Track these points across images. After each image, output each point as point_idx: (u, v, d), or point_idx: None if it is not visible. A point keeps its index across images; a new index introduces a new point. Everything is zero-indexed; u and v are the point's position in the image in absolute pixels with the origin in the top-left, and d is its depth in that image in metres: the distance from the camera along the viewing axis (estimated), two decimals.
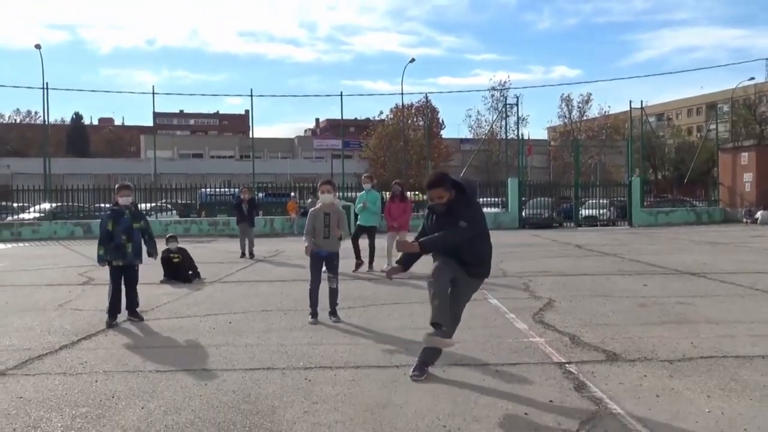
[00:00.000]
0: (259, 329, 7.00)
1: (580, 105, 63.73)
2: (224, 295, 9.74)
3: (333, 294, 7.59)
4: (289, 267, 13.62)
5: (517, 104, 33.60)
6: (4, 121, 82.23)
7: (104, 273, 13.02)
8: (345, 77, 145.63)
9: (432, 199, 4.99)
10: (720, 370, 4.95)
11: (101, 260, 7.63)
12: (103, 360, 5.69)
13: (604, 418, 3.95)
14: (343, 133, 45.36)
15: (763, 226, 26.97)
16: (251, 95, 31.33)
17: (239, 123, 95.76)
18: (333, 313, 7.54)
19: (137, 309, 7.79)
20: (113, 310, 7.47)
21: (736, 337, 6.05)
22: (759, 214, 28.22)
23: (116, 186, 7.93)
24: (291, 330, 6.94)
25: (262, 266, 13.86)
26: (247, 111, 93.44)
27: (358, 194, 13.32)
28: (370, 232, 12.50)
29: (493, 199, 32.44)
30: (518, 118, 35.01)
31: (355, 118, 78.07)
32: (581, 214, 31.37)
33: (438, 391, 4.61)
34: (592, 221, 31.16)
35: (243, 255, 15.72)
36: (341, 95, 32.41)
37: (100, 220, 8.03)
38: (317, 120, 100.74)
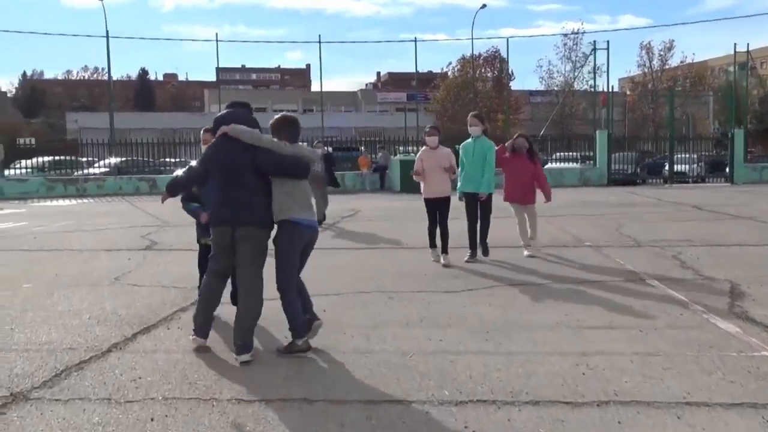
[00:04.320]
0: (364, 322, 5.32)
1: (662, 53, 59.33)
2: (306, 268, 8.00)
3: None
4: (372, 230, 11.91)
5: (607, 49, 30.19)
6: (73, 78, 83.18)
7: (167, 237, 11.74)
8: (404, 30, 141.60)
9: None
10: None
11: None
12: (163, 375, 4.10)
13: None
14: (417, 82, 43.32)
15: None
16: (319, 41, 29.49)
17: (300, 77, 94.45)
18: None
19: None
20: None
21: None
22: None
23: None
24: (407, 325, 5.22)
25: (341, 229, 12.20)
26: (308, 65, 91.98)
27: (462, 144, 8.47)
28: (484, 202, 8.20)
29: (567, 153, 30.08)
30: (608, 66, 31.95)
31: (417, 71, 75.06)
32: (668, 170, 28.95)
33: None
34: (681, 177, 28.56)
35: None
36: (415, 40, 30.13)
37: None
38: (378, 73, 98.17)
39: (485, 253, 8.26)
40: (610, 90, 32.35)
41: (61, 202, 20.46)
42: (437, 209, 8.07)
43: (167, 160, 27.85)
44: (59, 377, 4.05)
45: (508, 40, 35.03)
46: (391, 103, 69.80)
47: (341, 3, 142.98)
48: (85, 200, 21.55)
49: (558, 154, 30.78)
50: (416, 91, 61.71)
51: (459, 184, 8.35)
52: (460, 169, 8.28)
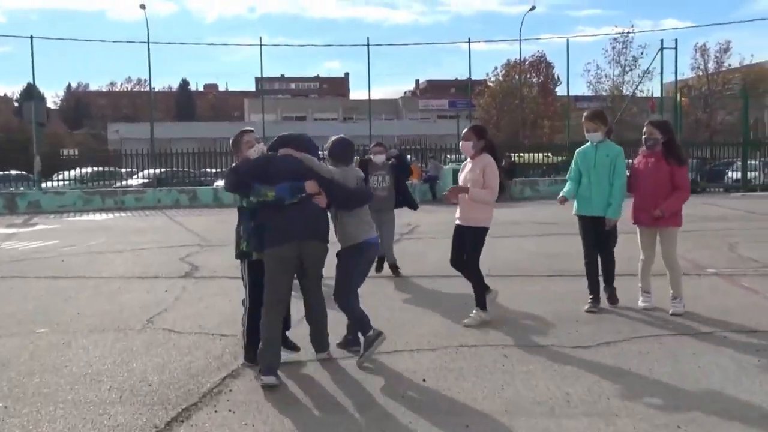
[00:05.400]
0: (487, 404, 3.77)
1: (718, 55, 56.63)
2: (381, 307, 6.44)
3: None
4: (440, 250, 10.31)
5: (675, 48, 28.04)
6: (117, 89, 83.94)
7: (210, 259, 10.28)
8: (442, 38, 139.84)
9: None
10: None
11: None
12: None
13: None
14: (457, 90, 41.72)
15: None
16: (367, 44, 28.06)
17: (339, 86, 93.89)
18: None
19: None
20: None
21: None
22: None
23: None
24: (552, 411, 3.64)
25: (403, 250, 10.46)
26: (346, 74, 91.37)
27: (576, 151, 6.28)
28: (607, 230, 6.00)
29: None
30: (676, 66, 29.87)
31: (456, 79, 73.26)
32: (730, 177, 27.45)
33: None
34: (746, 185, 26.62)
35: (381, 267, 8.19)
36: (469, 41, 28.50)
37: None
38: (417, 81, 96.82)
39: (612, 300, 6.08)
40: (677, 93, 30.29)
41: (97, 216, 19.40)
42: (462, 239, 5.69)
43: (208, 170, 26.84)
44: None
45: (568, 40, 33.15)
46: (433, 111, 68.41)
47: (379, 12, 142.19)
48: (122, 214, 20.48)
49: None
50: (459, 98, 60.17)
51: (575, 204, 6.10)
52: (570, 184, 6.15)
